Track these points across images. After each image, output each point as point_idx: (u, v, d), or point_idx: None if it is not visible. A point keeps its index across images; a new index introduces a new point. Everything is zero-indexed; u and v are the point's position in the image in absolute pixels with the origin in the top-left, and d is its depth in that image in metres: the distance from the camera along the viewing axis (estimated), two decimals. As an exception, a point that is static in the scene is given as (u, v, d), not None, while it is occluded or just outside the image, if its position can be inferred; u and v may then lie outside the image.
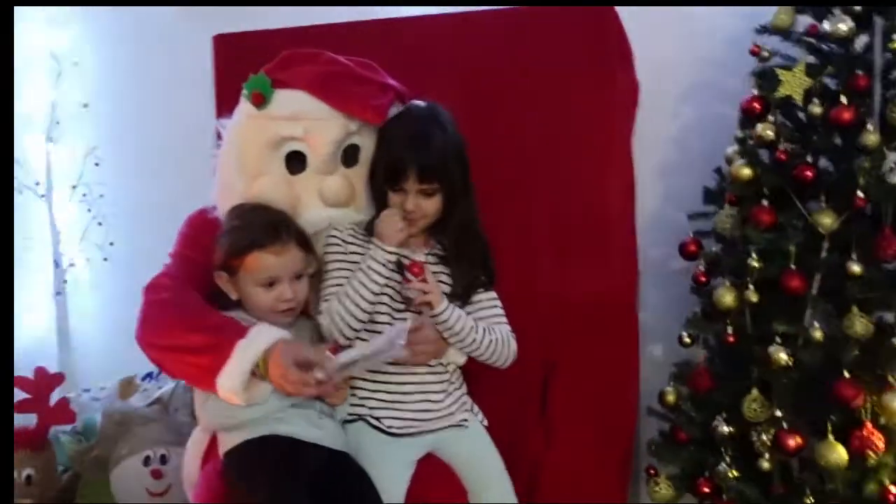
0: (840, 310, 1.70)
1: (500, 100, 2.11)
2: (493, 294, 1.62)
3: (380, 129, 1.56)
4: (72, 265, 2.82)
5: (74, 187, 2.81)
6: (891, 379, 1.65)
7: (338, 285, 1.51)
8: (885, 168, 1.67)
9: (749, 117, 1.90)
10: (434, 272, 1.55)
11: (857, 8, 1.74)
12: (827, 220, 1.73)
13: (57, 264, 2.82)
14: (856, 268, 1.68)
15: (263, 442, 1.40)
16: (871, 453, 1.63)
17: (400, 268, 1.51)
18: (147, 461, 2.03)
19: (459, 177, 1.54)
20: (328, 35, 2.26)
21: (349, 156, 1.58)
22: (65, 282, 2.83)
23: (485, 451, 1.60)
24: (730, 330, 1.84)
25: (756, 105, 1.87)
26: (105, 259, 2.84)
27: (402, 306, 1.53)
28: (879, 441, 1.63)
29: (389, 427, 1.50)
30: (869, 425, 1.64)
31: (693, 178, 2.19)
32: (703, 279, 1.94)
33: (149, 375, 2.63)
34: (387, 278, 1.50)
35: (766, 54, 1.93)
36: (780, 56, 1.93)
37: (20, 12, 2.76)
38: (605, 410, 2.00)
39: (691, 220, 2.04)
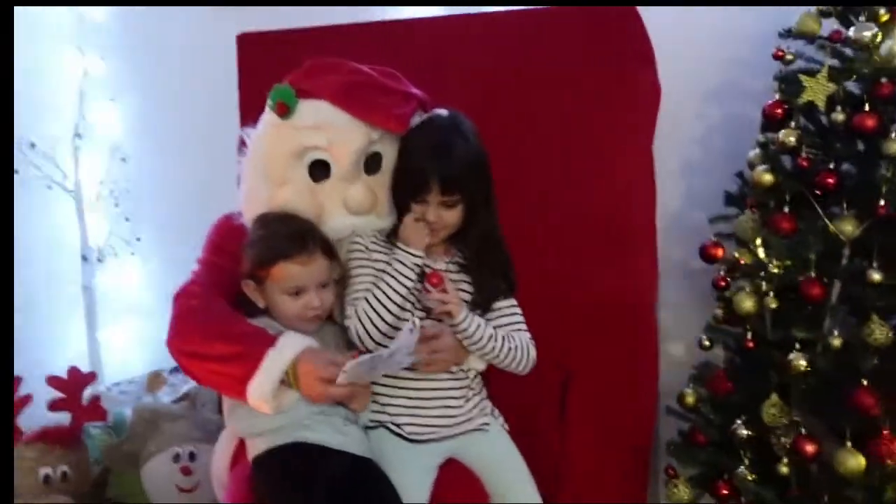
0: (860, 317, 1.71)
1: (521, 101, 2.12)
2: (513, 301, 1.63)
3: (402, 138, 1.57)
4: (100, 260, 2.87)
5: (102, 183, 2.86)
6: (910, 387, 1.66)
7: (363, 290, 1.53)
8: (907, 176, 1.67)
9: (771, 122, 1.90)
10: (454, 280, 1.56)
11: (883, 14, 1.73)
12: (848, 228, 1.74)
13: (85, 259, 2.87)
14: (876, 276, 1.69)
15: (291, 449, 1.43)
16: (889, 461, 1.64)
17: (422, 276, 1.53)
18: (177, 458, 2.08)
19: (481, 188, 1.55)
20: (350, 35, 2.28)
21: (371, 163, 1.59)
22: (93, 276, 2.88)
23: (506, 455, 1.61)
24: (749, 335, 1.85)
25: (778, 110, 1.88)
26: (132, 254, 2.90)
27: (424, 313, 1.55)
28: (898, 448, 1.65)
29: (410, 434, 1.52)
30: (887, 433, 1.65)
31: (716, 179, 2.20)
32: (723, 283, 1.95)
33: (176, 369, 2.70)
34: (413, 282, 1.52)
35: (789, 57, 1.92)
36: (803, 59, 1.92)
37: (47, 8, 2.81)
38: (624, 412, 2.01)
39: (712, 224, 2.04)
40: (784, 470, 1.76)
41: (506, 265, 1.61)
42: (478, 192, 1.54)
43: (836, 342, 1.70)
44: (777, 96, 1.90)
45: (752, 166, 1.97)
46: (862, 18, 1.77)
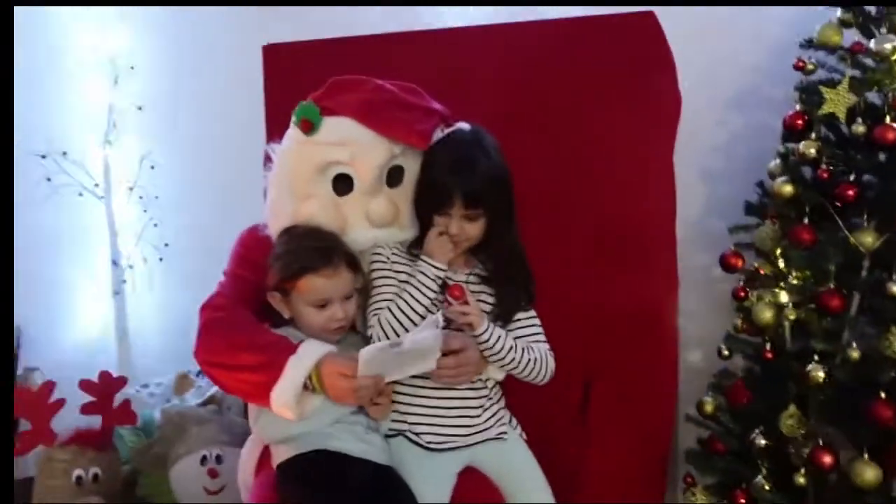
0: (879, 329, 1.71)
1: (541, 110, 2.13)
2: (533, 313, 1.65)
3: (426, 153, 1.60)
4: (130, 266, 2.94)
5: (131, 189, 2.94)
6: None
7: (386, 300, 1.56)
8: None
9: (792, 133, 1.90)
10: (475, 291, 1.59)
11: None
12: (868, 239, 1.74)
13: (115, 264, 2.95)
14: None
15: (314, 456, 1.47)
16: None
17: (443, 287, 1.56)
18: (204, 460, 2.13)
19: (503, 202, 1.57)
20: (374, 45, 2.31)
21: (394, 177, 1.62)
22: (123, 281, 2.96)
23: (524, 464, 1.64)
24: (768, 346, 1.86)
25: (799, 121, 1.88)
26: (161, 259, 2.97)
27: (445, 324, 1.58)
28: (916, 461, 1.65)
29: (429, 442, 1.55)
30: (905, 445, 1.66)
31: (737, 187, 2.21)
32: (743, 294, 1.96)
33: (202, 372, 2.76)
34: (435, 293, 1.55)
35: (810, 68, 1.92)
36: (825, 69, 1.92)
37: (77, 15, 2.88)
38: (644, 419, 2.03)
39: (732, 233, 2.05)
40: (801, 480, 1.77)
41: (526, 278, 1.63)
42: (499, 207, 1.57)
43: (855, 354, 1.70)
44: (798, 107, 1.91)
45: (772, 177, 1.98)
46: (883, 30, 1.77)
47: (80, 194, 2.86)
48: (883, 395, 1.65)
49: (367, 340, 1.55)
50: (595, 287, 2.08)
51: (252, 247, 1.66)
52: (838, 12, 1.91)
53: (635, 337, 2.05)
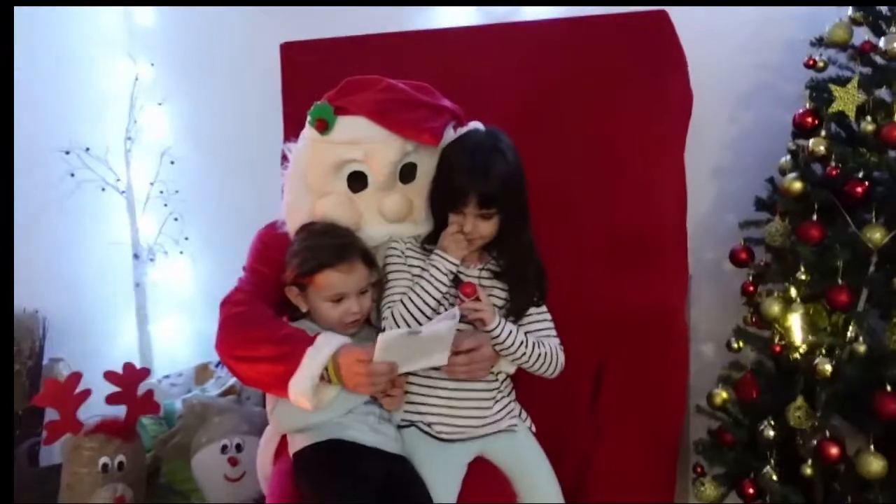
0: (886, 324, 1.73)
1: (553, 107, 2.16)
2: (544, 309, 1.69)
3: (441, 153, 1.64)
4: (151, 259, 3.00)
5: (152, 184, 2.98)
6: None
7: (400, 293, 1.60)
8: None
9: (802, 130, 1.92)
10: (487, 287, 1.63)
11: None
12: (877, 236, 1.76)
13: (136, 257, 3.01)
14: (903, 283, 1.70)
15: (329, 445, 1.52)
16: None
17: (456, 282, 1.60)
18: (224, 449, 2.19)
19: (517, 202, 1.60)
20: (389, 43, 2.35)
21: (407, 173, 1.67)
22: (145, 274, 3.02)
23: (532, 455, 1.68)
24: (776, 340, 1.88)
25: (809, 119, 1.89)
26: (181, 252, 3.02)
27: None
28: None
29: (440, 433, 1.59)
30: (910, 438, 1.68)
31: (748, 183, 2.22)
32: (752, 289, 1.98)
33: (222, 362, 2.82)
34: (447, 287, 1.59)
35: (821, 65, 1.94)
36: (836, 66, 1.94)
37: (100, 14, 2.93)
38: (654, 411, 2.06)
39: (743, 228, 2.07)
40: (808, 471, 1.80)
41: (538, 274, 1.67)
42: (513, 206, 1.60)
43: (862, 348, 1.73)
44: (808, 105, 1.92)
45: (782, 173, 2.00)
46: (893, 29, 1.78)
47: (103, 189, 2.90)
48: (889, 388, 1.68)
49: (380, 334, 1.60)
50: (606, 283, 2.10)
51: (270, 243, 1.71)
52: (849, 11, 1.92)
53: (646, 332, 2.08)
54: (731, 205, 2.35)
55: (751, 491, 1.91)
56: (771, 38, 2.30)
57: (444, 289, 1.59)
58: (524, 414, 1.73)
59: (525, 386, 1.76)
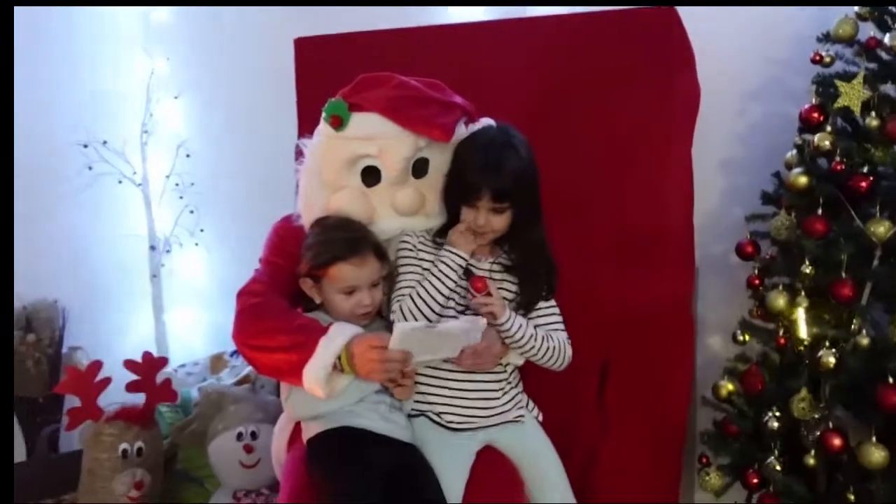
0: (889, 317, 1.76)
1: (562, 102, 2.17)
2: (553, 303, 1.72)
3: (456, 149, 1.67)
4: (167, 251, 3.05)
5: (168, 176, 3.04)
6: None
7: (409, 287, 1.64)
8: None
9: (808, 125, 1.94)
10: (497, 280, 1.67)
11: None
12: (881, 230, 1.78)
13: (153, 248, 3.06)
14: (906, 277, 1.73)
15: (341, 433, 1.57)
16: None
17: (468, 274, 1.64)
18: (240, 436, 2.23)
19: (529, 197, 1.63)
20: (400, 39, 2.37)
21: (419, 168, 1.70)
22: (161, 265, 3.08)
23: (539, 445, 1.72)
24: (781, 332, 1.91)
25: (815, 114, 1.92)
26: (196, 244, 3.08)
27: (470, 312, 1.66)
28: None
29: (449, 422, 1.63)
30: (911, 429, 1.71)
31: (755, 176, 2.25)
32: (758, 282, 2.01)
33: (236, 352, 2.87)
34: (456, 283, 1.63)
35: (827, 60, 1.96)
36: (843, 61, 1.96)
37: (117, 9, 2.98)
38: (659, 403, 2.08)
39: (749, 222, 2.10)
40: (812, 462, 1.83)
41: (548, 269, 1.69)
42: (526, 201, 1.63)
43: (865, 341, 1.76)
44: (814, 100, 1.94)
45: (788, 167, 2.02)
46: (898, 24, 1.80)
47: (120, 182, 2.97)
48: (891, 380, 1.71)
49: (391, 326, 1.62)
50: (614, 276, 2.12)
51: (286, 236, 1.75)
52: (856, 7, 1.94)
53: (652, 326, 2.09)
54: (739, 199, 2.37)
55: (755, 481, 1.95)
56: (779, 33, 2.32)
57: (452, 284, 1.62)
58: (531, 404, 1.77)
59: (533, 379, 1.80)
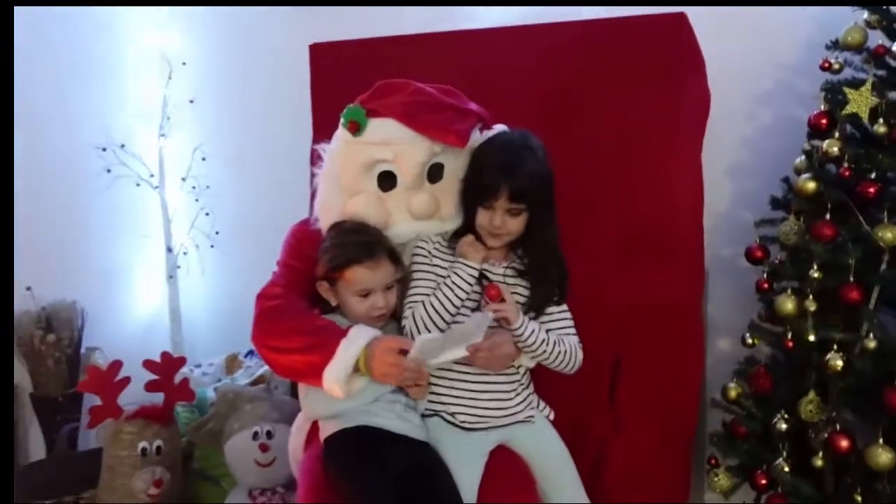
0: (897, 321, 1.79)
1: (573, 107, 2.20)
2: (565, 307, 1.75)
3: (474, 152, 1.71)
4: (183, 253, 3.10)
5: (184, 179, 3.09)
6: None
7: (422, 294, 1.68)
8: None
9: (816, 131, 1.97)
10: (511, 285, 1.70)
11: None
12: (889, 235, 1.80)
13: (169, 250, 3.11)
14: (913, 281, 1.75)
15: (358, 432, 1.60)
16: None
17: (482, 280, 1.67)
18: (256, 436, 2.27)
19: (545, 200, 1.67)
20: (414, 45, 2.41)
21: (434, 173, 1.74)
22: (177, 266, 3.13)
23: (550, 444, 1.75)
24: (789, 335, 1.94)
25: (823, 120, 1.94)
26: (212, 246, 3.13)
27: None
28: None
29: (463, 422, 1.67)
30: (918, 432, 1.74)
31: (765, 181, 2.27)
32: (766, 286, 2.04)
33: (251, 353, 2.91)
34: (467, 293, 1.66)
35: (836, 66, 1.98)
36: (852, 68, 1.98)
37: (134, 14, 3.03)
38: (669, 402, 2.10)
39: (758, 227, 2.12)
40: (819, 463, 1.86)
41: (560, 275, 1.73)
42: (541, 205, 1.66)
43: (872, 344, 1.78)
44: (822, 107, 1.97)
45: (797, 173, 2.05)
46: (907, 32, 1.83)
47: (137, 184, 3.02)
48: (898, 383, 1.74)
49: (402, 330, 1.68)
50: (625, 278, 2.14)
51: (303, 240, 1.79)
52: (865, 14, 1.96)
53: (662, 326, 2.12)
54: (749, 203, 2.39)
55: (763, 482, 1.97)
56: (789, 38, 2.35)
57: (464, 295, 1.65)
58: (542, 404, 1.80)
59: (545, 378, 1.83)
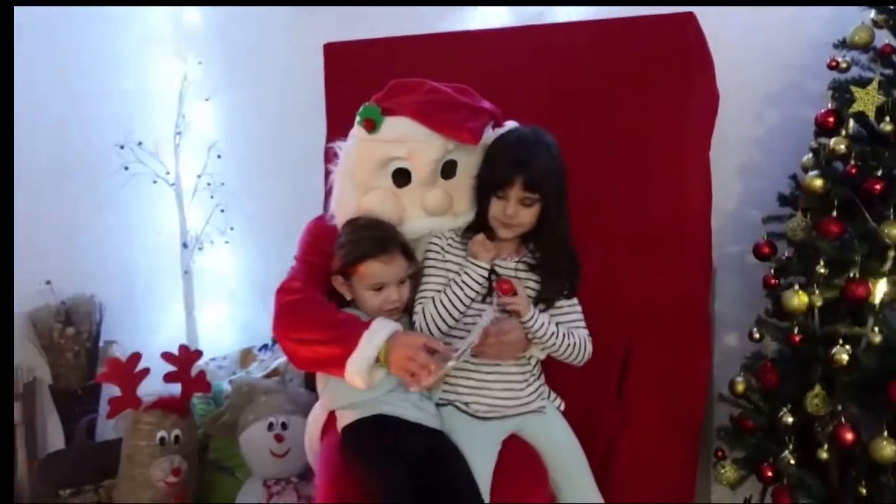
0: (902, 316, 1.82)
1: (583, 106, 2.25)
2: (575, 301, 1.79)
3: (490, 146, 1.75)
4: (199, 248, 3.15)
5: (199, 176, 3.13)
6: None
7: (433, 290, 1.72)
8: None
9: (823, 129, 2.00)
10: (522, 279, 1.74)
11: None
12: (894, 231, 1.83)
13: (185, 246, 3.16)
14: (918, 277, 1.78)
15: (375, 420, 1.65)
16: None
17: (494, 275, 1.71)
18: (270, 427, 2.31)
19: (557, 194, 1.70)
20: (426, 44, 2.45)
21: (448, 170, 1.78)
22: (193, 262, 3.17)
23: (561, 434, 1.79)
24: (796, 330, 1.97)
25: (830, 118, 1.97)
26: (226, 242, 3.17)
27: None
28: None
29: (476, 411, 1.71)
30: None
31: (773, 179, 2.29)
32: (773, 282, 2.07)
33: (265, 347, 2.96)
34: (477, 292, 1.70)
35: (844, 65, 2.01)
36: (859, 66, 2.01)
37: (151, 14, 3.08)
38: (677, 398, 2.15)
39: (766, 223, 2.15)
40: (825, 456, 1.89)
41: (571, 269, 1.76)
42: (554, 198, 1.69)
43: (877, 339, 1.81)
44: (830, 105, 2.00)
45: (805, 170, 2.08)
46: (913, 32, 1.85)
47: (154, 182, 3.06)
48: (903, 376, 1.76)
49: (413, 325, 1.72)
50: (634, 274, 2.20)
51: (319, 235, 1.83)
52: (872, 13, 1.99)
53: (671, 321, 2.16)
54: (757, 201, 2.41)
55: (769, 474, 2.00)
56: (796, 38, 2.37)
57: (473, 294, 1.69)
58: (553, 395, 1.84)
59: (556, 371, 1.87)
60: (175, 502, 2.22)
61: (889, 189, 1.87)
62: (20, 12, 2.46)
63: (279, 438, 2.30)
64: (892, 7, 1.95)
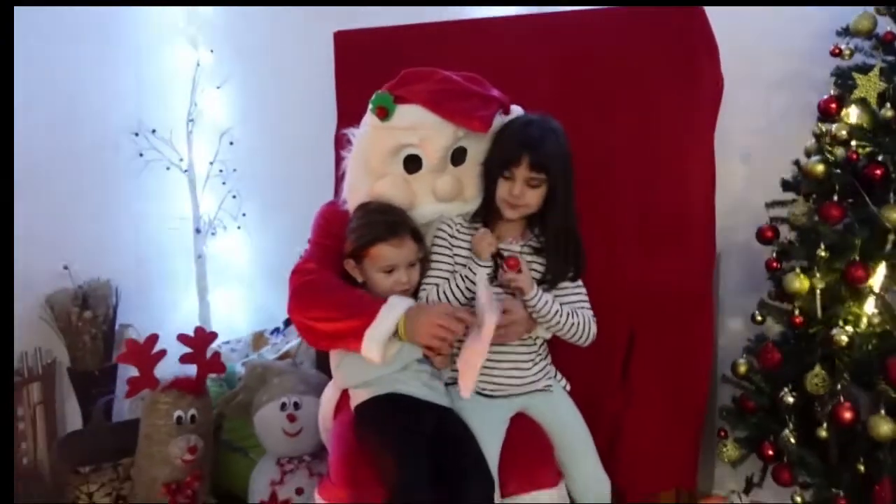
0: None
1: (591, 95, 2.27)
2: (580, 283, 1.84)
3: (499, 130, 1.79)
4: (212, 234, 3.20)
5: (212, 163, 3.19)
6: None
7: (439, 276, 1.78)
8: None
9: (826, 115, 2.03)
10: (528, 261, 1.78)
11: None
12: (895, 216, 1.86)
13: (198, 231, 3.22)
14: (916, 260, 1.82)
15: (388, 398, 1.71)
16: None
17: (497, 257, 1.76)
18: (283, 407, 2.36)
19: (563, 178, 1.75)
20: (435, 32, 2.48)
21: (458, 157, 1.82)
22: (205, 247, 3.23)
23: (567, 413, 1.85)
24: (797, 312, 2.01)
25: (832, 105, 2.00)
26: (238, 227, 3.23)
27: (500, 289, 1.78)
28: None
29: (483, 389, 1.76)
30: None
31: (777, 164, 2.32)
32: (776, 265, 2.11)
33: (276, 330, 3.02)
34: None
35: (847, 53, 2.04)
36: (862, 53, 2.04)
37: (164, 9, 3.12)
38: (681, 379, 2.19)
39: (769, 208, 2.19)
40: (824, 434, 1.93)
41: (576, 253, 1.81)
42: (560, 180, 1.74)
43: (876, 320, 1.85)
44: (832, 91, 2.03)
45: (808, 156, 2.11)
46: (915, 19, 1.88)
47: (168, 168, 3.12)
48: (901, 356, 1.80)
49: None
50: (639, 258, 2.23)
51: (332, 219, 1.88)
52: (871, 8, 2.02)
53: (675, 305, 2.20)
54: (761, 186, 2.43)
55: (770, 453, 2.04)
56: (800, 26, 2.38)
57: (474, 288, 1.74)
58: (559, 375, 1.90)
59: (561, 353, 1.92)
60: (191, 479, 2.28)
61: (889, 174, 1.90)
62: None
63: (292, 418, 2.35)
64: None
